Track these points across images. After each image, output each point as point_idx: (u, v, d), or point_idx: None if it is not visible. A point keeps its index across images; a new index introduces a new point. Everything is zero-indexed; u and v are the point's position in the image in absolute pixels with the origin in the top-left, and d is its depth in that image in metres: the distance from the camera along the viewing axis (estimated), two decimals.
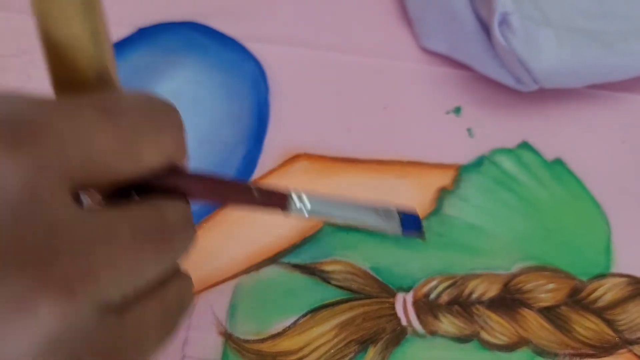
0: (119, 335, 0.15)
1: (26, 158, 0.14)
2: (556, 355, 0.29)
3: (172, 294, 0.18)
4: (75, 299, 0.13)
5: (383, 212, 0.21)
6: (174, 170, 0.18)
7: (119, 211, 0.16)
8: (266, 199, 0.19)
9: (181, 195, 0.18)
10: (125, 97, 0.17)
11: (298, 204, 0.19)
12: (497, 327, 0.29)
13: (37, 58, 0.21)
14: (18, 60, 0.34)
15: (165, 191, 0.17)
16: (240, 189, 0.19)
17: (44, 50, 0.17)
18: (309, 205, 0.19)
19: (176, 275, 0.18)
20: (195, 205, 0.30)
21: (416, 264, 0.30)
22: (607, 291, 0.30)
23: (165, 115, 0.18)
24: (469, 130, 0.34)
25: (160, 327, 0.17)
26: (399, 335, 0.28)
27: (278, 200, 0.19)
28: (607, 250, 0.31)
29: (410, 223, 0.21)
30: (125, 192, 0.17)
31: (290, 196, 0.19)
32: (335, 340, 0.28)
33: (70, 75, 0.17)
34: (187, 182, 0.18)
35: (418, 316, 0.29)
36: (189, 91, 0.33)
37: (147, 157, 0.17)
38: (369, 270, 0.30)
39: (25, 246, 0.13)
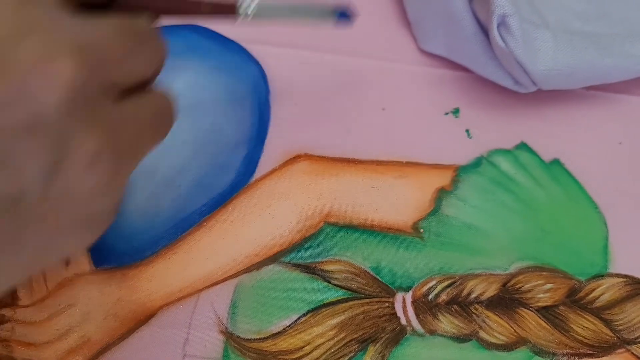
0: (125, 124, 0.18)
1: None
2: (554, 355, 0.29)
3: (159, 98, 0.20)
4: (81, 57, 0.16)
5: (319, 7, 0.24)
6: None
7: (99, 16, 0.18)
8: (216, 6, 0.22)
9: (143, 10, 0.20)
10: None
11: (244, 8, 0.22)
12: (496, 327, 0.29)
13: None
14: None
15: (125, 9, 0.20)
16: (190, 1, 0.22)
17: None
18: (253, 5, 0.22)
19: (158, 85, 0.21)
20: (196, 205, 0.31)
21: (415, 264, 0.30)
22: (605, 291, 0.30)
23: None
24: (467, 131, 0.34)
25: (153, 126, 0.19)
26: (398, 334, 0.29)
27: (227, 7, 0.22)
28: (605, 250, 0.31)
29: (342, 12, 0.24)
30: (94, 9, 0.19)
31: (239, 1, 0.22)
32: (336, 339, 0.28)
33: None
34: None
35: (417, 315, 0.29)
36: (190, 93, 0.33)
37: None
38: (368, 270, 0.30)
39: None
